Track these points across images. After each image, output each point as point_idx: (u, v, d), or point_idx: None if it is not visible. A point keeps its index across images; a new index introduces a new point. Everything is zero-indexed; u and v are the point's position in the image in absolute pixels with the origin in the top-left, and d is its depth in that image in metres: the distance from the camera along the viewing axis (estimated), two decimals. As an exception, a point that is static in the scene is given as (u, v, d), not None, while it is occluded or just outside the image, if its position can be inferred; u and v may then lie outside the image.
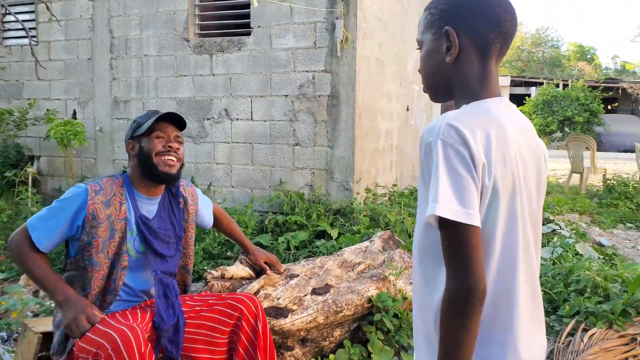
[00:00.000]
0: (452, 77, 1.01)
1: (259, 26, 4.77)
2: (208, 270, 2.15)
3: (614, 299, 2.64)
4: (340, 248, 3.62)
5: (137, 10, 5.22)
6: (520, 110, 12.28)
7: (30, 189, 5.11)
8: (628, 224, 5.73)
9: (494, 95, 0.98)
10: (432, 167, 0.87)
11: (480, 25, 0.96)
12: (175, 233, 1.87)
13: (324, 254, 3.69)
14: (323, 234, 4.25)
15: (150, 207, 1.85)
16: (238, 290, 2.15)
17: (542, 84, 20.60)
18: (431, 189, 0.85)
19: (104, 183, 1.77)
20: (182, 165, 1.85)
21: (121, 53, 5.31)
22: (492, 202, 0.89)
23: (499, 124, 0.92)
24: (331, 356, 2.39)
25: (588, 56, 31.55)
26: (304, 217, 4.32)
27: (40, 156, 5.86)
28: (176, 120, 1.85)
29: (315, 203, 4.52)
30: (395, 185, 5.62)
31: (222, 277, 2.17)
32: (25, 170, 5.12)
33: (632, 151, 13.27)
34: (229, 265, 3.44)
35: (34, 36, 5.54)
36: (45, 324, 1.93)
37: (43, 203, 4.75)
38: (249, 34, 4.83)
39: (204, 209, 2.09)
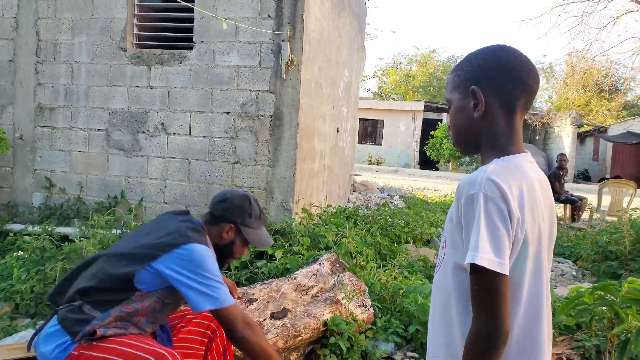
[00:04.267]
0: (479, 132, 1.09)
1: (202, 41, 4.71)
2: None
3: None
4: (286, 269, 3.66)
5: (69, 14, 4.91)
6: (433, 135, 13.12)
7: None
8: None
9: (520, 150, 1.08)
10: (472, 216, 0.96)
11: (505, 84, 1.05)
12: None
13: (266, 275, 3.70)
14: (262, 254, 4.24)
15: None
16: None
17: (453, 111, 22.07)
18: (472, 238, 0.94)
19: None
20: None
21: (49, 57, 4.95)
22: (522, 253, 0.99)
23: (529, 180, 1.03)
24: (287, 380, 2.41)
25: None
26: (244, 237, 4.29)
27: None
28: None
29: (256, 222, 4.51)
30: (329, 205, 5.77)
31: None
32: None
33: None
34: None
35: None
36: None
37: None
38: (190, 48, 4.76)
39: None
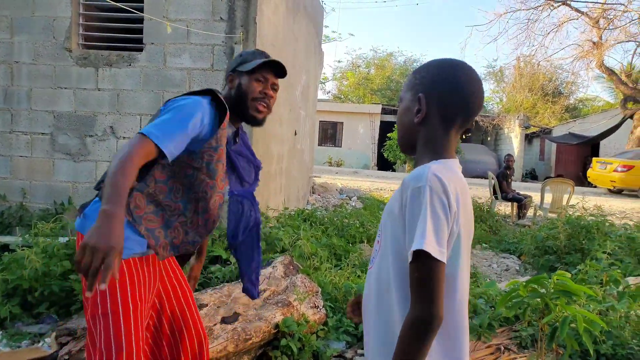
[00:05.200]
0: (417, 135, 1.17)
1: (153, 43, 4.62)
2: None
3: (481, 314, 3.06)
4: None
5: (7, 12, 4.69)
6: (390, 137, 13.47)
7: None
8: (484, 245, 6.50)
9: (453, 157, 1.16)
10: (417, 208, 1.01)
11: (449, 100, 1.13)
12: (253, 162, 1.93)
13: (220, 280, 3.67)
14: (216, 259, 4.20)
15: (230, 133, 1.82)
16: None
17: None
18: (418, 227, 1.00)
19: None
20: (269, 113, 1.84)
21: (-15, 57, 4.72)
22: (456, 245, 1.06)
23: (461, 181, 1.12)
24: (239, 385, 2.40)
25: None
26: (198, 241, 4.23)
27: None
28: (278, 69, 1.81)
29: (209, 227, 4.45)
30: (286, 208, 5.78)
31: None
32: None
33: (483, 177, 15.16)
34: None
35: None
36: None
37: None
38: (140, 49, 4.65)
39: None
